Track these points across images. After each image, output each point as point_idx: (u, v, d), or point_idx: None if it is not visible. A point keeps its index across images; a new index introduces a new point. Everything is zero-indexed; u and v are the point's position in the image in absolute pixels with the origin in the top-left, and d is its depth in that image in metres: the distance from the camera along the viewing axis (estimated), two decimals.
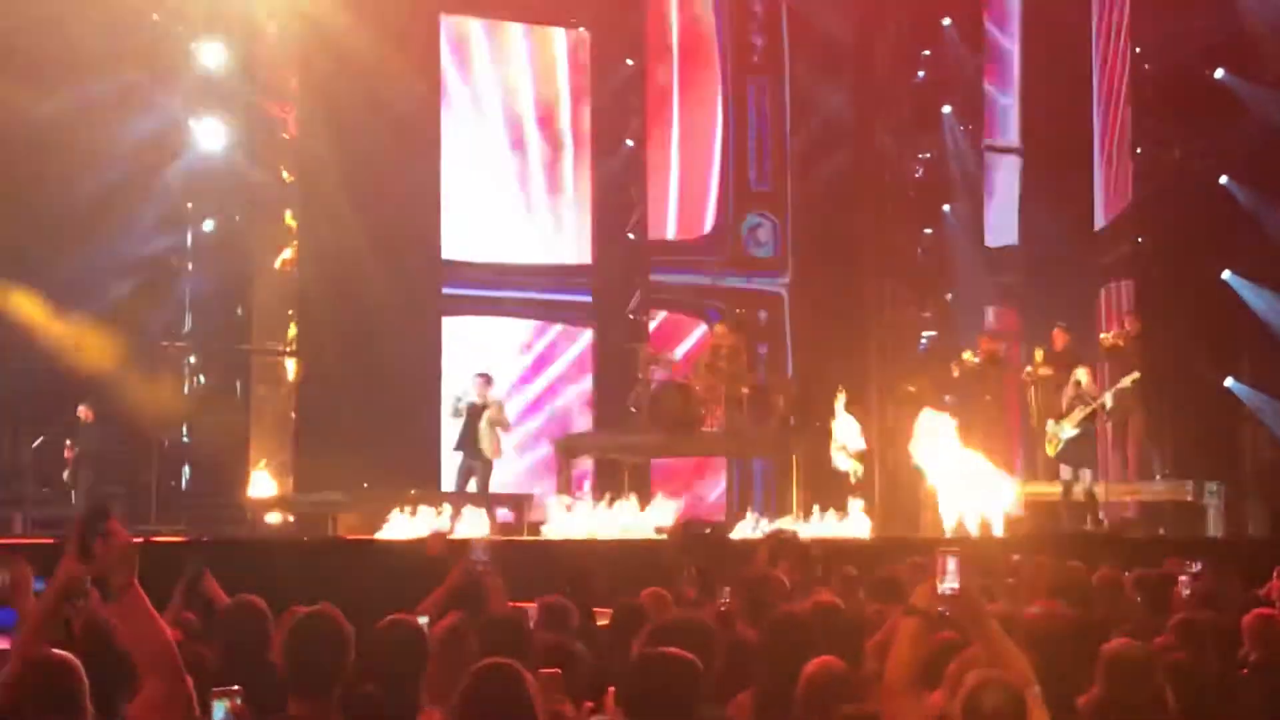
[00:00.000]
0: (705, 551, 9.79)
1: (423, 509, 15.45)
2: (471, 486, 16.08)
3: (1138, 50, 20.83)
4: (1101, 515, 16.88)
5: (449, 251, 19.48)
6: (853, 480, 16.64)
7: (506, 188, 20.07)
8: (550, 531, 15.68)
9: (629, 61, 20.71)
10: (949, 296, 21.03)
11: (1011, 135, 21.78)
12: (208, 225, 17.71)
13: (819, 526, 15.70)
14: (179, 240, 17.71)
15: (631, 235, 20.74)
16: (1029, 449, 18.89)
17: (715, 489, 20.71)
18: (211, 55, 17.47)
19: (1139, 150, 20.90)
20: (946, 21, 21.05)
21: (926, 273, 21.06)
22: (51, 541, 10.07)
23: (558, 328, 20.42)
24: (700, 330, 20.65)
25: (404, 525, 15.18)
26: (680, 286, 21.21)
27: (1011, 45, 21.59)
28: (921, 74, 21.11)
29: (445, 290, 19.52)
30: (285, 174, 18.88)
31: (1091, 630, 6.37)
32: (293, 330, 19.15)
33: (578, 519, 15.89)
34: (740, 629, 6.61)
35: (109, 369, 16.09)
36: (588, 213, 20.49)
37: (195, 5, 17.26)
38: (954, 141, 21.30)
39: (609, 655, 6.66)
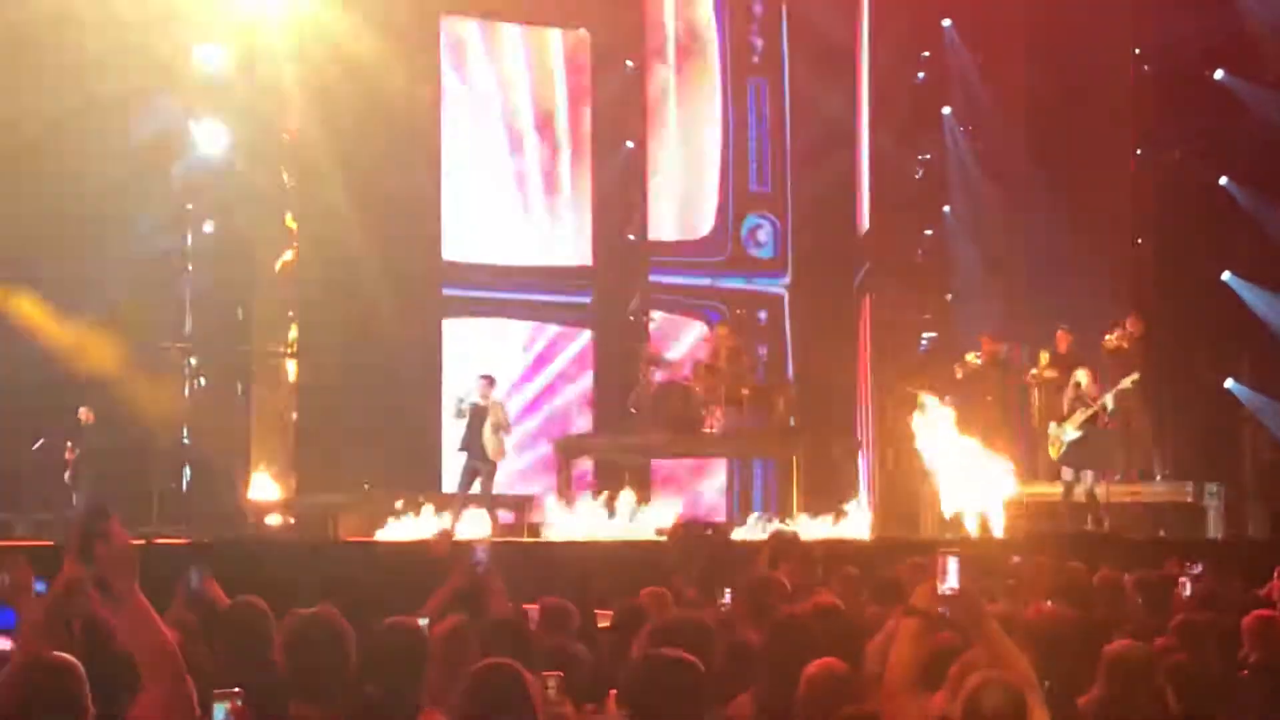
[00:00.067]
0: (707, 553, 9.78)
1: (424, 510, 15.47)
2: (475, 488, 16.08)
3: (1138, 51, 20.82)
4: (1103, 515, 16.87)
5: (449, 253, 19.50)
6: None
7: (506, 189, 20.08)
8: (551, 533, 15.69)
9: (629, 63, 20.73)
10: (949, 297, 21.03)
11: (1011, 136, 21.75)
12: (208, 227, 17.71)
13: (820, 527, 15.71)
14: (180, 242, 17.72)
15: (631, 236, 20.76)
16: (1030, 450, 18.88)
17: (715, 490, 20.71)
18: (212, 58, 17.48)
19: (1139, 151, 20.89)
20: (947, 22, 21.06)
21: (926, 273, 21.06)
22: (52, 543, 10.08)
23: (558, 328, 20.43)
24: (700, 331, 20.66)
25: (405, 526, 15.20)
26: (680, 287, 21.23)
27: (1012, 45, 21.56)
28: (921, 75, 21.12)
29: (445, 291, 19.54)
30: (285, 176, 18.88)
31: (1092, 631, 6.37)
32: (293, 332, 19.15)
33: (578, 520, 15.91)
34: (741, 630, 6.61)
35: (110, 371, 16.10)
36: (588, 214, 20.50)
37: (196, 8, 17.26)
38: (954, 142, 21.30)
39: (610, 656, 6.67)
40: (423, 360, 18.72)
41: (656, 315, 20.66)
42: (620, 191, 20.58)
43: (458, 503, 15.88)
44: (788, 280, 21.57)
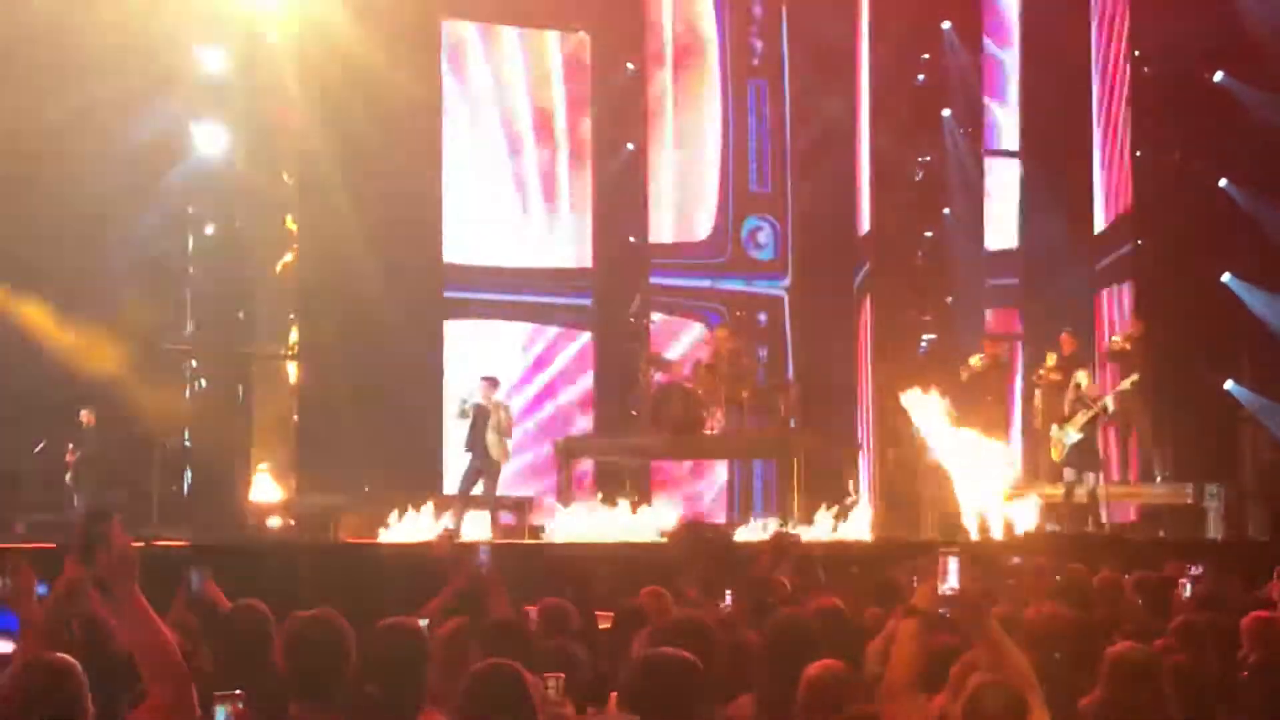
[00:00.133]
0: (709, 554, 9.79)
1: (424, 512, 15.48)
2: (478, 488, 16.11)
3: (1137, 53, 20.83)
4: (1104, 517, 16.88)
5: (450, 255, 19.51)
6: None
7: (507, 191, 20.08)
8: (551, 534, 15.69)
9: (629, 65, 20.73)
10: (949, 299, 21.04)
11: (1011, 139, 21.79)
12: (209, 229, 17.72)
13: (820, 529, 15.72)
14: (180, 244, 17.72)
15: (632, 238, 20.76)
16: (1031, 451, 18.90)
17: (715, 492, 20.72)
18: (212, 60, 17.48)
19: (1138, 153, 20.90)
20: (946, 25, 21.06)
21: (926, 275, 21.07)
22: (53, 546, 10.07)
23: (558, 330, 20.44)
24: (700, 333, 20.66)
25: (406, 528, 15.20)
26: (680, 289, 21.23)
27: (1011, 48, 21.59)
28: (921, 77, 21.12)
29: (446, 294, 19.54)
30: (286, 178, 18.89)
31: (1093, 632, 6.38)
32: (294, 334, 19.16)
33: (579, 522, 15.91)
34: (742, 631, 6.62)
35: (110, 373, 16.10)
36: (588, 216, 20.50)
37: (196, 10, 17.27)
38: (954, 144, 21.31)
39: (610, 657, 6.67)
40: (423, 362, 18.72)
41: (656, 317, 20.67)
42: (620, 193, 20.58)
43: (460, 503, 15.89)
44: (788, 282, 21.58)
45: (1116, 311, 20.76)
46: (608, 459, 18.65)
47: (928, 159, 21.12)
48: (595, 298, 20.48)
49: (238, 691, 4.20)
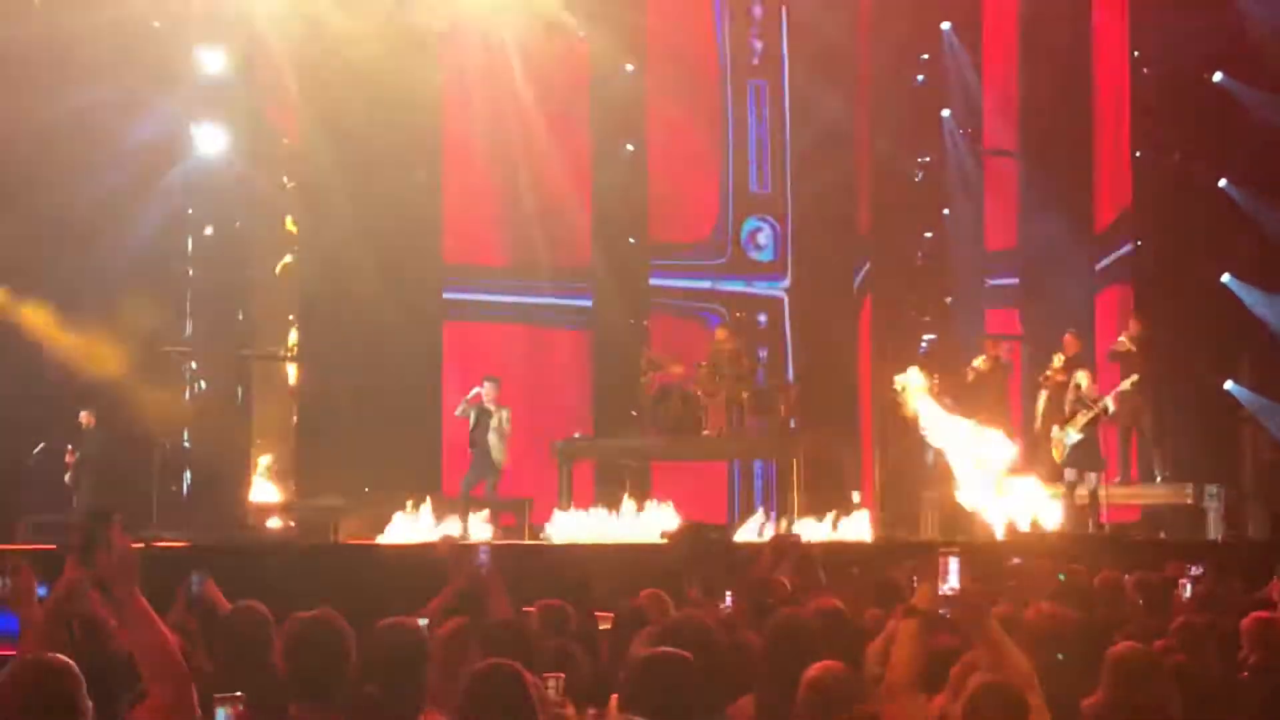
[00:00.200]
0: (709, 555, 9.80)
1: (424, 513, 15.48)
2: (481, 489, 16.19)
3: (1137, 54, 20.83)
4: (1103, 519, 16.88)
5: (449, 256, 19.50)
6: None
7: (507, 192, 20.07)
8: (552, 536, 15.69)
9: (628, 66, 20.73)
10: (949, 299, 21.05)
11: (1011, 139, 21.78)
12: (208, 230, 17.72)
13: (821, 529, 15.73)
14: (180, 245, 17.72)
15: (632, 239, 20.76)
16: (1031, 451, 18.88)
17: (716, 492, 20.70)
18: (212, 61, 17.48)
19: (1138, 153, 20.90)
20: (946, 25, 21.07)
21: (926, 275, 21.07)
22: (53, 547, 10.07)
23: (558, 331, 20.43)
24: (700, 334, 20.66)
25: (406, 529, 15.20)
26: (680, 290, 21.23)
27: (1011, 49, 21.58)
28: (921, 78, 21.13)
29: (446, 295, 19.55)
30: (286, 179, 18.90)
31: (1094, 633, 6.38)
32: (294, 335, 19.17)
33: (579, 523, 15.92)
34: (742, 633, 6.62)
35: (110, 374, 16.10)
36: (588, 216, 20.50)
37: (196, 11, 17.27)
38: (953, 145, 21.31)
39: (610, 658, 6.67)
40: (423, 363, 18.72)
41: (657, 318, 20.67)
42: (620, 194, 20.58)
43: (464, 504, 15.92)
44: (788, 283, 21.58)
45: (1116, 312, 20.74)
46: (608, 460, 18.64)
47: (927, 159, 21.13)
48: (595, 298, 20.48)
49: (238, 694, 4.19)
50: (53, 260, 16.23)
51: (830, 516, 16.19)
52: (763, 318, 21.44)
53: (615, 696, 5.15)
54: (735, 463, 20.45)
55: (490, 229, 20.02)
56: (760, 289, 21.61)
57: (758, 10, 21.64)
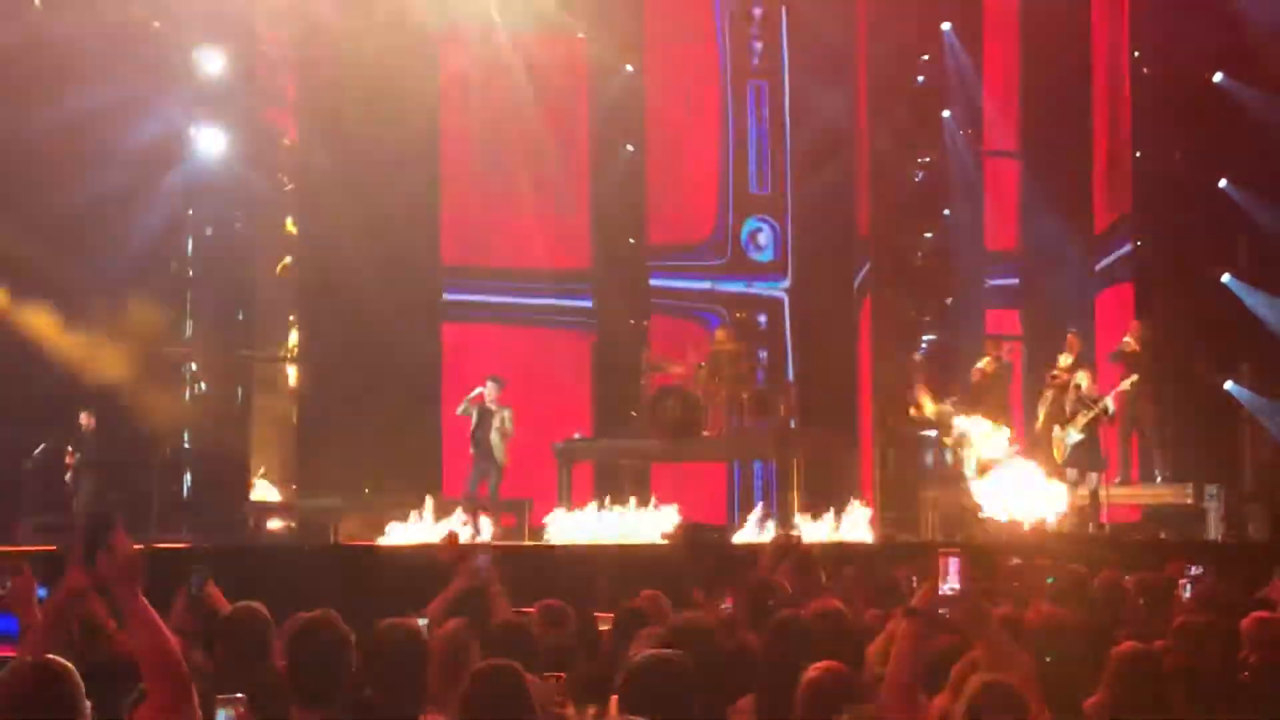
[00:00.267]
0: (709, 556, 9.79)
1: (424, 513, 15.48)
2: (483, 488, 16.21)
3: (1137, 54, 20.83)
4: (1103, 519, 16.88)
5: (449, 257, 19.50)
6: None
7: (506, 193, 20.08)
8: (552, 537, 15.69)
9: (628, 66, 20.73)
10: (949, 300, 21.04)
11: (1011, 139, 21.78)
12: (208, 231, 17.73)
13: (821, 530, 15.72)
14: (180, 247, 17.73)
15: (631, 240, 20.76)
16: (1031, 450, 18.87)
17: (716, 493, 20.69)
18: (212, 63, 17.50)
19: (1138, 153, 20.90)
20: (946, 26, 21.06)
21: (926, 276, 21.07)
22: (53, 549, 10.09)
23: (557, 332, 20.43)
24: (700, 334, 20.65)
25: (405, 531, 15.20)
26: (680, 291, 21.23)
27: (1011, 49, 21.58)
28: (921, 78, 21.13)
29: (445, 296, 19.55)
30: (285, 181, 18.90)
31: (1094, 633, 6.37)
32: (294, 337, 19.17)
33: (579, 524, 15.91)
34: (742, 634, 6.61)
35: (110, 376, 16.10)
36: (587, 217, 20.50)
37: (195, 13, 17.28)
38: (953, 145, 21.31)
39: (610, 658, 6.67)
40: (422, 364, 18.73)
41: (657, 319, 20.66)
42: (619, 195, 20.58)
43: (470, 505, 15.93)
44: (788, 283, 21.58)
45: (1116, 312, 20.73)
46: (608, 461, 18.64)
47: (927, 160, 21.12)
48: (595, 299, 20.48)
49: (240, 695, 4.19)
50: (52, 262, 16.23)
51: (831, 517, 16.18)
52: (763, 318, 21.43)
53: (615, 697, 5.15)
54: (735, 463, 20.44)
55: (490, 230, 20.02)
56: (760, 289, 21.60)
57: (757, 11, 21.63)
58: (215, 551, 12.45)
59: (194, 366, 17.58)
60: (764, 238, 21.66)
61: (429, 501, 15.83)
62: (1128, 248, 21.05)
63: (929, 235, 21.18)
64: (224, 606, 6.72)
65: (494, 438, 16.08)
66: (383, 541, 14.91)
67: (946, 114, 21.21)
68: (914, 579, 7.59)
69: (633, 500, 16.51)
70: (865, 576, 8.84)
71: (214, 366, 17.72)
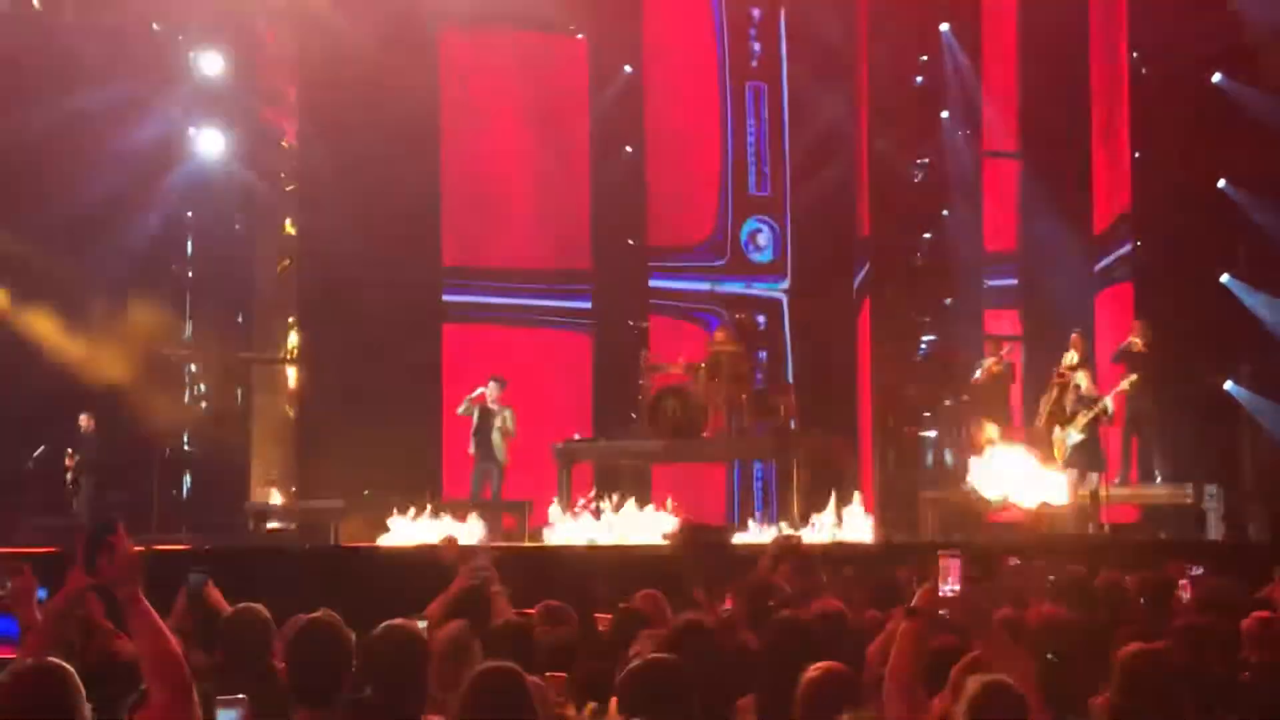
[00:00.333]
0: (709, 557, 9.78)
1: (424, 515, 15.48)
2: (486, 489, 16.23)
3: (1136, 55, 20.83)
4: (1103, 519, 16.88)
5: (448, 258, 19.51)
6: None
7: (506, 193, 20.08)
8: (552, 538, 15.68)
9: (627, 68, 20.74)
10: (948, 301, 21.05)
11: (1011, 139, 21.78)
12: (208, 233, 17.73)
13: (821, 531, 15.71)
14: (180, 247, 17.74)
15: (631, 241, 20.76)
16: (1031, 449, 18.87)
17: (715, 494, 20.70)
18: (211, 64, 17.51)
19: (1138, 153, 20.90)
20: (945, 27, 21.07)
21: (926, 277, 21.07)
22: (53, 550, 10.08)
23: (557, 333, 20.44)
24: (700, 335, 20.65)
25: (406, 532, 15.19)
26: (679, 292, 21.24)
27: (1010, 50, 21.58)
28: (921, 79, 21.13)
29: (445, 297, 19.55)
30: (285, 180, 18.91)
31: (1095, 633, 6.38)
32: (293, 338, 19.17)
33: (579, 525, 15.90)
34: (742, 634, 6.62)
35: (110, 377, 16.11)
36: (587, 218, 20.50)
37: (195, 15, 17.29)
38: (953, 146, 21.31)
39: (610, 659, 6.67)
40: (422, 365, 18.73)
41: (656, 320, 20.66)
42: (619, 196, 20.59)
43: (468, 505, 15.92)
44: (787, 284, 21.58)
45: (1116, 312, 20.73)
46: (607, 463, 18.62)
47: (927, 161, 21.13)
48: (594, 300, 20.49)
49: (241, 696, 4.20)
50: (52, 263, 16.24)
51: (831, 518, 16.17)
52: (762, 319, 21.42)
53: (615, 700, 5.15)
54: (735, 464, 20.44)
55: (489, 230, 20.02)
56: (760, 290, 21.61)
57: (756, 12, 21.64)
58: (215, 552, 12.43)
59: (194, 367, 17.59)
60: (763, 238, 21.66)
61: (429, 502, 15.83)
62: (1127, 248, 21.04)
63: (928, 236, 21.19)
64: (224, 607, 6.73)
65: (495, 437, 16.10)
66: (383, 542, 14.90)
67: (945, 114, 21.21)
68: (915, 579, 7.58)
69: (633, 501, 16.50)
70: (865, 577, 8.84)
71: (214, 367, 17.72)
